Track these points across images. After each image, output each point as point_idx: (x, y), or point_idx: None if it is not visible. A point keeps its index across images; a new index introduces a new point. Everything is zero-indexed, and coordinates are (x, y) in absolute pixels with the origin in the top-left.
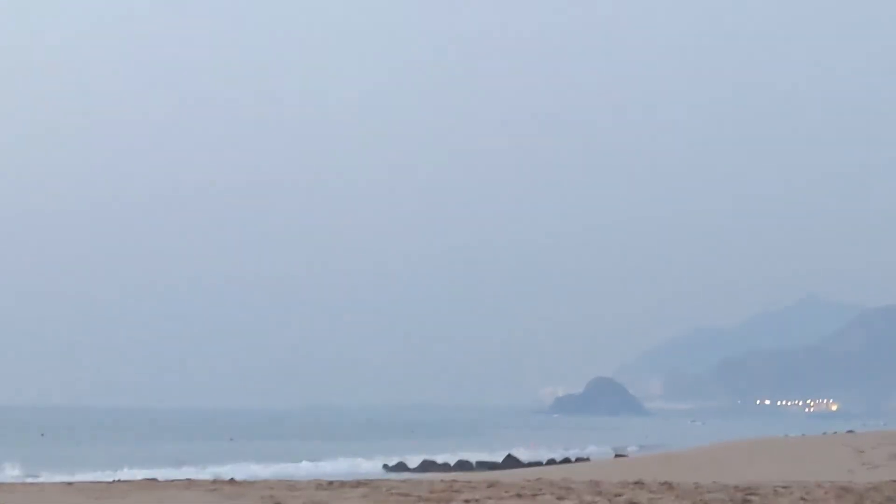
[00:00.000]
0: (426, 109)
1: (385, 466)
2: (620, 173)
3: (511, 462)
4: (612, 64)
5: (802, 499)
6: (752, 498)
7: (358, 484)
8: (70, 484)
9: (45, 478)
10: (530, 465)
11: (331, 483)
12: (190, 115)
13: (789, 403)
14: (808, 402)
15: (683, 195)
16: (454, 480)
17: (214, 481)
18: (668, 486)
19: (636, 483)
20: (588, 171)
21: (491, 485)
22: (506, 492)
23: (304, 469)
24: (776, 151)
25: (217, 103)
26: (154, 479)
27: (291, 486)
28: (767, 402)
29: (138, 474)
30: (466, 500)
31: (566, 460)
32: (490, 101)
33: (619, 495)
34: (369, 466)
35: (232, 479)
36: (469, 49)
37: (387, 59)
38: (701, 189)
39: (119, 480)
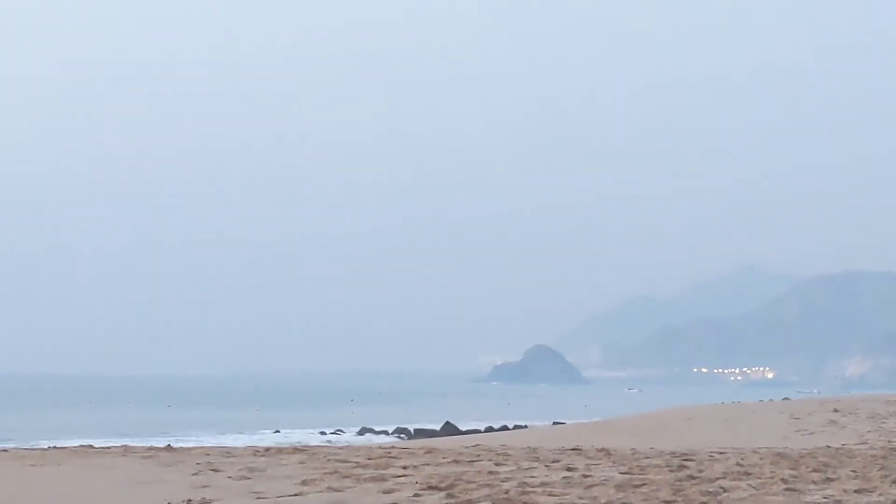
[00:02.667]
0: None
1: (323, 433)
2: (567, 150)
3: (449, 429)
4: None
5: (738, 464)
6: (688, 463)
7: (295, 450)
8: (5, 451)
9: None
10: (468, 432)
11: (268, 449)
12: None
13: (726, 371)
14: (745, 369)
15: (621, 171)
16: (392, 447)
17: (150, 448)
18: (606, 452)
19: (573, 449)
20: (537, 148)
21: (429, 451)
22: (443, 458)
23: (242, 437)
24: (712, 129)
25: None
26: (90, 446)
27: (228, 452)
28: (704, 370)
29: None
30: (404, 467)
31: (504, 427)
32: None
33: (557, 461)
34: (307, 433)
35: (168, 445)
36: None
37: None
38: (638, 165)
39: (54, 447)
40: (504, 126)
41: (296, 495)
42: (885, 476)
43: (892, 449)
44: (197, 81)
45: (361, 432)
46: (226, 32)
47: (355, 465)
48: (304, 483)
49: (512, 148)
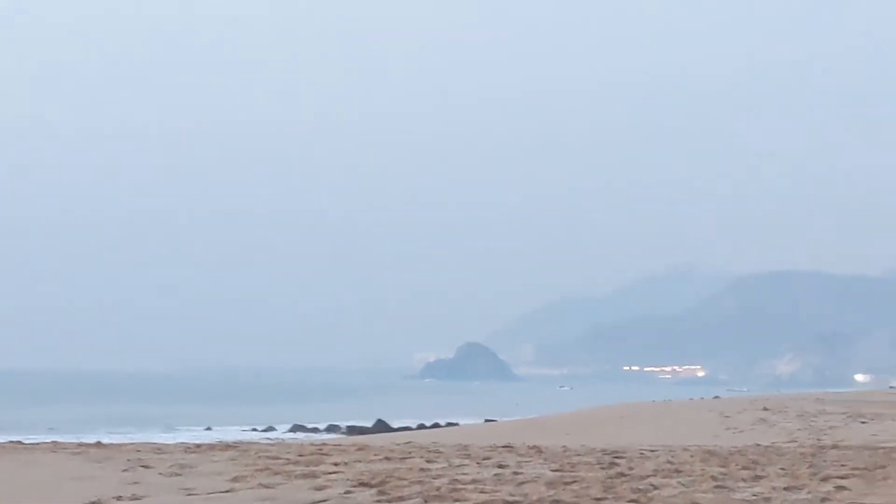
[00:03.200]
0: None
1: (254, 430)
2: (500, 148)
3: (381, 426)
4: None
5: (668, 462)
6: (619, 461)
7: (227, 447)
8: None
9: None
10: (400, 429)
11: (199, 446)
12: None
13: (657, 369)
14: (676, 368)
15: (555, 169)
16: (324, 444)
17: (80, 444)
18: (537, 449)
19: (505, 447)
20: (471, 145)
21: (360, 448)
22: (375, 455)
23: (173, 434)
24: (647, 132)
25: None
26: (19, 442)
27: (159, 448)
28: (636, 368)
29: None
30: (336, 464)
31: (436, 425)
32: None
33: (488, 458)
34: (239, 430)
35: (98, 442)
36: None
37: None
38: (573, 163)
39: None
40: (435, 123)
41: (227, 492)
42: (814, 474)
43: (820, 447)
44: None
45: (293, 429)
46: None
47: (286, 461)
48: (234, 480)
49: (444, 146)
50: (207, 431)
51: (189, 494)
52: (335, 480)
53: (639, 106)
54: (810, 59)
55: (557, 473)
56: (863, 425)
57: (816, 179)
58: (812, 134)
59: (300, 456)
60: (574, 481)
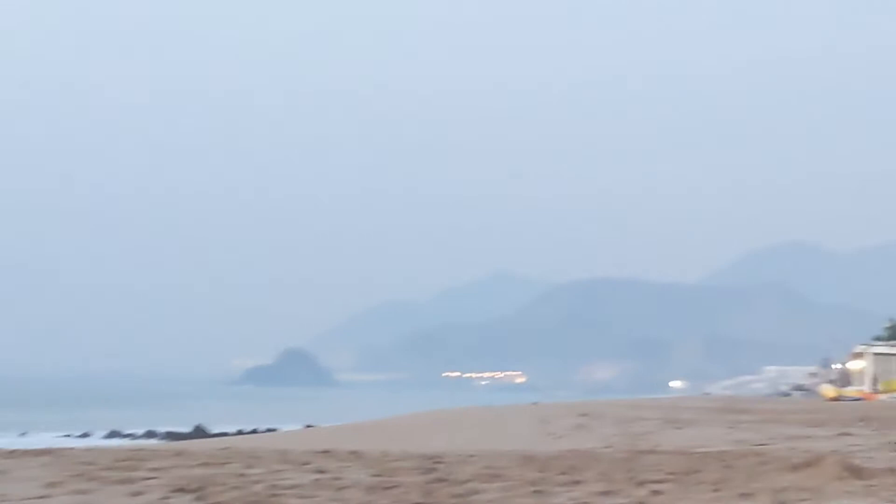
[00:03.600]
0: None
1: (70, 436)
2: (320, 155)
3: (199, 432)
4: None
5: (487, 467)
6: (438, 466)
7: (41, 452)
8: None
9: None
10: (218, 435)
11: (12, 452)
12: None
13: (476, 375)
14: (495, 374)
15: (374, 177)
16: (141, 449)
17: None
18: (356, 454)
19: (324, 452)
20: (285, 151)
21: (178, 453)
22: (193, 460)
23: None
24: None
25: None
26: None
27: None
28: (456, 374)
29: None
30: (153, 469)
31: (255, 430)
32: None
33: (307, 464)
34: (54, 437)
35: None
36: None
37: None
38: (391, 171)
39: None
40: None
41: (41, 497)
42: (631, 478)
43: (637, 452)
44: None
45: (110, 435)
46: None
47: (102, 467)
48: (49, 485)
49: (256, 154)
50: (22, 437)
51: (2, 501)
52: (152, 486)
53: (449, 117)
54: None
55: (377, 479)
56: (678, 431)
57: (633, 188)
58: (611, 143)
59: (116, 461)
60: (393, 486)
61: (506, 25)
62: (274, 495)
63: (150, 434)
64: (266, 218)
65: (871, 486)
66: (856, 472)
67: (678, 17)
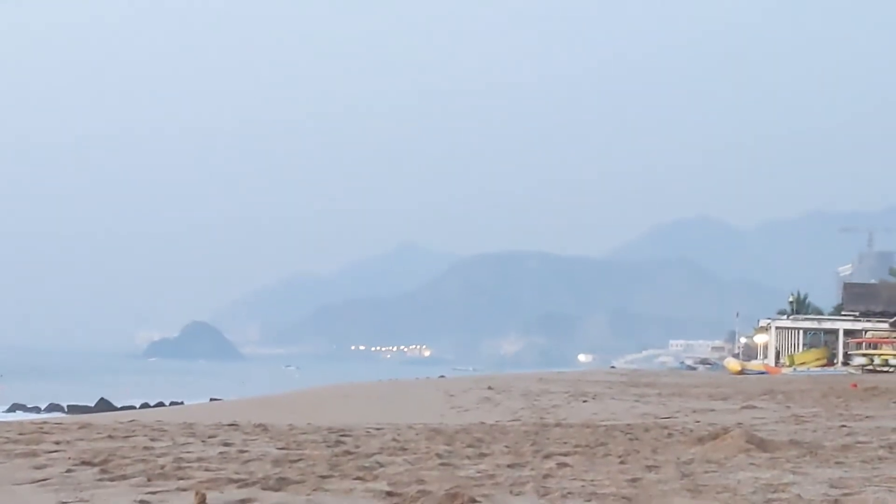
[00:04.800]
0: None
1: None
2: (228, 129)
3: (104, 405)
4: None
5: (394, 440)
6: (345, 439)
7: None
8: None
9: None
10: (124, 408)
11: None
12: None
13: (383, 349)
14: (402, 347)
15: (290, 150)
16: (44, 422)
17: None
18: (263, 427)
19: (230, 425)
20: (191, 131)
21: (83, 426)
22: (98, 433)
23: None
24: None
25: None
26: None
27: None
28: (362, 347)
29: None
30: (57, 442)
31: (160, 404)
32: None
33: (213, 437)
34: None
35: None
36: None
37: None
38: (306, 144)
39: None
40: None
41: None
42: (537, 451)
43: (543, 425)
44: None
45: (12, 409)
46: None
47: (6, 440)
48: None
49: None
50: None
51: None
52: (56, 459)
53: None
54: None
55: (283, 451)
56: (584, 404)
57: (540, 163)
58: (529, 122)
59: (20, 434)
60: (300, 459)
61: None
62: (180, 468)
63: (53, 408)
64: (175, 194)
65: (775, 458)
66: (760, 444)
67: (562, 22)
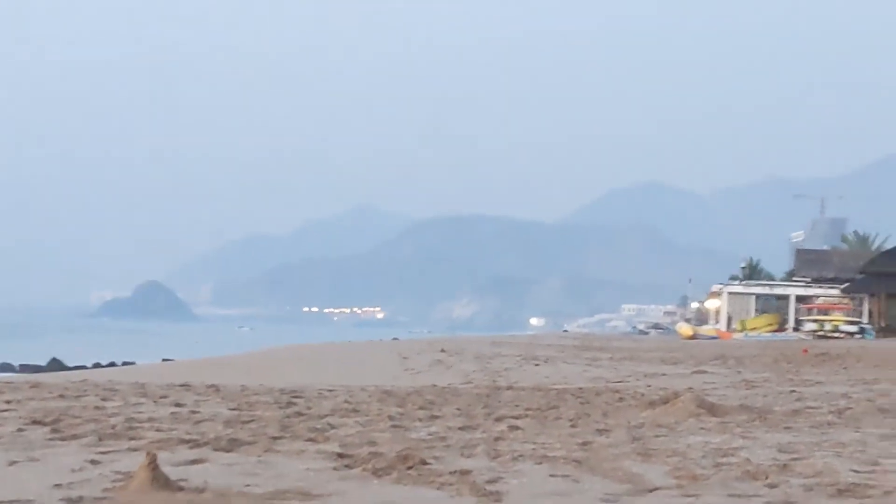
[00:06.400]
0: None
1: None
2: (175, 96)
3: (55, 365)
4: None
5: (346, 402)
6: (297, 400)
7: None
8: None
9: None
10: (75, 368)
11: None
12: None
13: (336, 311)
14: (356, 309)
15: (228, 117)
16: None
17: None
18: (215, 388)
19: (182, 385)
20: (148, 89)
21: (34, 386)
22: (49, 393)
23: None
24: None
25: None
26: None
27: None
28: (315, 309)
29: None
30: (8, 401)
31: (112, 364)
32: None
33: (165, 397)
34: None
35: None
36: None
37: None
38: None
39: None
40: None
41: None
42: (489, 414)
43: (495, 388)
44: None
45: None
46: None
47: None
48: None
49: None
50: None
51: None
52: (7, 418)
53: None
54: None
55: (235, 412)
56: (536, 367)
57: (498, 128)
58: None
59: None
60: (251, 420)
61: None
62: (131, 428)
63: (4, 367)
64: (129, 154)
65: (725, 422)
66: (710, 408)
67: None
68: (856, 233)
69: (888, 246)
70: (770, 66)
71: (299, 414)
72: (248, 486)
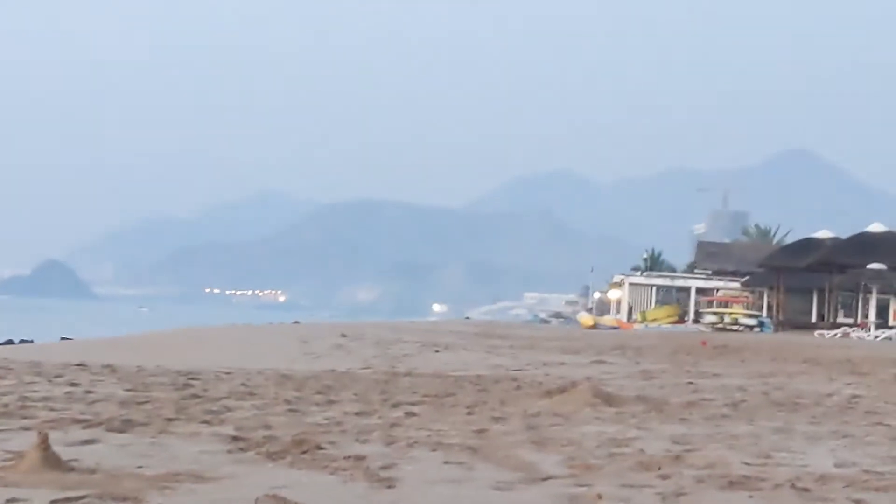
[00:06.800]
0: None
1: None
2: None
3: None
4: None
5: (243, 385)
6: (194, 382)
7: None
8: None
9: None
10: None
11: None
12: None
13: (238, 293)
14: (257, 292)
15: (141, 96)
16: None
17: None
18: (111, 368)
19: (78, 365)
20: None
21: None
22: None
23: None
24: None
25: None
26: None
27: None
28: (217, 290)
29: None
30: None
31: (9, 342)
32: None
33: (60, 376)
34: None
35: None
36: None
37: None
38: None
39: None
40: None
41: None
42: (385, 400)
43: (393, 374)
44: None
45: None
46: None
47: None
48: None
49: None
50: None
51: None
52: None
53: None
54: None
55: (130, 393)
56: (436, 354)
57: (404, 116)
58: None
59: None
60: (147, 401)
61: None
62: (24, 407)
63: None
64: (33, 130)
65: (621, 412)
66: (607, 399)
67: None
68: (757, 226)
69: (789, 240)
70: (674, 59)
71: (195, 396)
72: (140, 467)
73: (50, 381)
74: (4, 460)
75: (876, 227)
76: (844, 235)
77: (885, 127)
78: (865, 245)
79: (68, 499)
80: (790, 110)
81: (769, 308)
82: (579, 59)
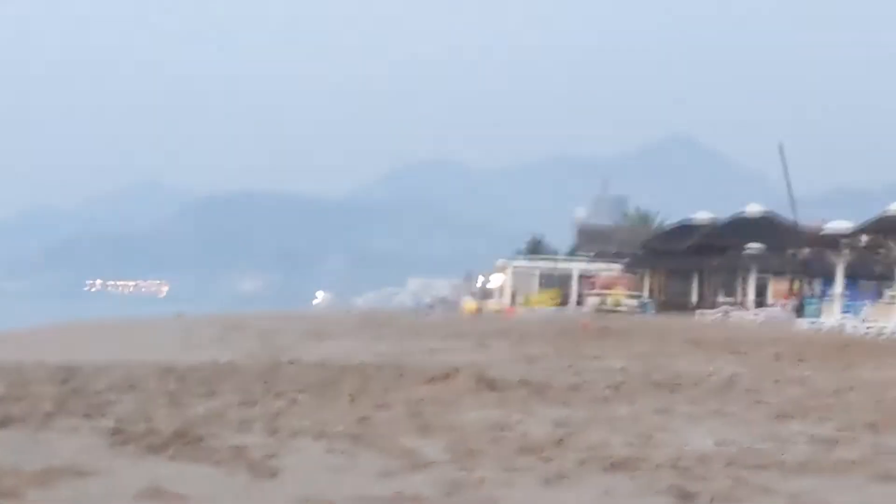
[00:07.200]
0: None
1: None
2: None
3: None
4: None
5: (124, 378)
6: (74, 376)
7: None
8: None
9: None
10: None
11: None
12: None
13: (119, 285)
14: (139, 284)
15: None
16: None
17: None
18: None
19: None
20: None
21: None
22: None
23: None
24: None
25: None
26: None
27: None
28: (98, 283)
29: None
30: None
31: None
32: None
33: None
34: None
35: None
36: None
37: None
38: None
39: None
40: None
41: None
42: (268, 390)
43: (276, 364)
44: None
45: None
46: None
47: None
48: None
49: None
50: None
51: None
52: None
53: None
54: None
55: (8, 389)
56: (319, 343)
57: (280, 105)
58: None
59: None
60: (25, 397)
61: None
62: None
63: None
64: None
65: (504, 397)
66: (489, 384)
67: None
68: (637, 209)
69: (669, 223)
70: (555, 43)
71: (75, 390)
72: (18, 463)
73: None
74: None
75: (753, 209)
76: (723, 218)
77: (763, 111)
78: (743, 226)
79: None
80: (669, 95)
81: (650, 290)
82: (460, 47)
